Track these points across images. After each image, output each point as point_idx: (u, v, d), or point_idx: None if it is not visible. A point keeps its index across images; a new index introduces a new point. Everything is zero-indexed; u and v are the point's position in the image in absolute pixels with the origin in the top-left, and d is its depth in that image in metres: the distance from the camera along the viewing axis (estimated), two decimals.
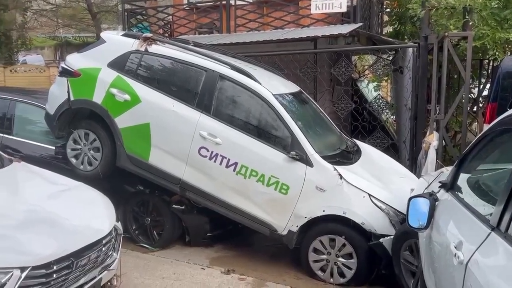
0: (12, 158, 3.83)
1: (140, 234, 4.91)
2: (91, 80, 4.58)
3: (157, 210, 4.85)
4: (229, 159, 4.24)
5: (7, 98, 5.36)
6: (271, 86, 4.45)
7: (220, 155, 4.26)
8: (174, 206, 4.72)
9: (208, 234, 4.92)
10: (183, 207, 4.72)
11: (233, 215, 4.38)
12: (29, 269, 2.45)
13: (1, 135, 5.14)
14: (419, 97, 5.79)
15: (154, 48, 4.59)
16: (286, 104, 4.40)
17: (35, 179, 3.63)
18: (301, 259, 4.29)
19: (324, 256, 4.14)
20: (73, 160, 4.78)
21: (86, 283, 2.92)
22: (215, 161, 4.28)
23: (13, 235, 2.63)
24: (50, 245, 2.69)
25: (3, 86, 11.28)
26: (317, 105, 5.30)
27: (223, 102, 4.42)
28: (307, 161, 4.07)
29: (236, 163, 4.23)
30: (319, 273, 4.18)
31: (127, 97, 4.47)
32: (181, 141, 4.37)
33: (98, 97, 4.56)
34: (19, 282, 2.38)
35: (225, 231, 5.05)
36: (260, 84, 4.31)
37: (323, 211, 4.02)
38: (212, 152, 4.28)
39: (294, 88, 5.03)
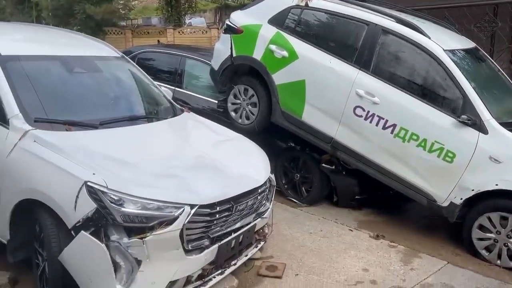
0: (183, 108, 4.22)
1: (289, 188, 5.04)
2: (252, 36, 4.72)
3: (307, 167, 4.89)
4: (386, 120, 3.98)
5: (179, 54, 5.91)
6: (442, 41, 3.96)
7: (377, 116, 4.03)
8: (323, 165, 4.68)
9: (356, 197, 4.80)
10: (333, 167, 4.65)
11: (386, 180, 4.15)
12: (197, 207, 2.69)
13: (174, 88, 5.72)
14: None
15: (315, 3, 4.48)
16: (459, 61, 3.89)
17: (202, 128, 3.95)
18: (462, 235, 3.88)
19: (491, 235, 3.66)
20: (233, 114, 5.08)
21: (242, 226, 3.11)
22: (370, 122, 4.06)
23: (185, 176, 2.90)
24: (214, 188, 2.91)
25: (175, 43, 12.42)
26: (496, 64, 4.56)
27: (384, 58, 4.12)
28: (481, 127, 3.57)
29: (394, 125, 3.95)
30: (484, 252, 3.73)
31: (285, 53, 4.49)
32: (336, 99, 4.25)
33: (258, 54, 4.69)
34: (188, 218, 2.63)
35: (375, 196, 4.86)
36: (429, 38, 3.87)
37: (496, 185, 3.52)
38: (368, 112, 4.07)
39: (468, 44, 4.41)
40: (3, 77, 3.12)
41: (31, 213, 2.77)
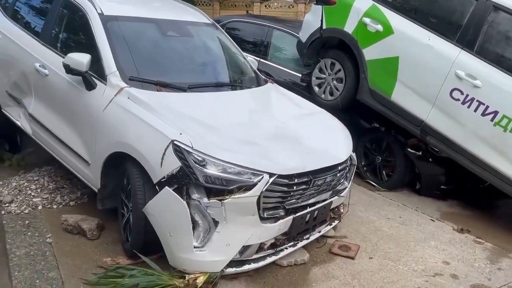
0: (267, 79, 4.19)
1: (369, 171, 4.85)
2: (345, 8, 4.51)
3: (390, 150, 4.66)
4: (487, 106, 3.63)
5: (266, 25, 5.86)
6: None
7: (477, 101, 3.68)
8: (409, 149, 4.43)
9: (441, 187, 4.49)
10: (420, 152, 4.38)
11: (480, 172, 3.82)
12: (275, 176, 2.67)
13: (258, 59, 5.70)
14: None
15: None
16: None
17: (284, 100, 3.90)
18: None
19: None
20: (316, 89, 4.95)
21: (318, 202, 3.05)
22: (468, 107, 3.73)
23: (265, 145, 2.89)
24: (294, 159, 2.87)
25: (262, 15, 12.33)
26: None
27: (492, 38, 3.72)
28: None
29: (496, 112, 3.59)
30: None
31: (379, 27, 4.24)
32: (431, 79, 3.95)
33: (349, 26, 4.48)
34: (266, 186, 2.62)
35: (462, 188, 4.51)
36: None
37: None
38: (467, 95, 3.73)
39: None
40: (104, 36, 3.30)
41: (121, 166, 2.94)
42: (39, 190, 4.02)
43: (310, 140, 3.18)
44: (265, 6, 16.69)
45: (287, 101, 3.89)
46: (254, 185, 2.59)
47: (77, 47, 3.54)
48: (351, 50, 4.49)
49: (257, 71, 4.22)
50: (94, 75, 3.19)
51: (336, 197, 3.25)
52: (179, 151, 2.57)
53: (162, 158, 2.60)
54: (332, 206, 3.28)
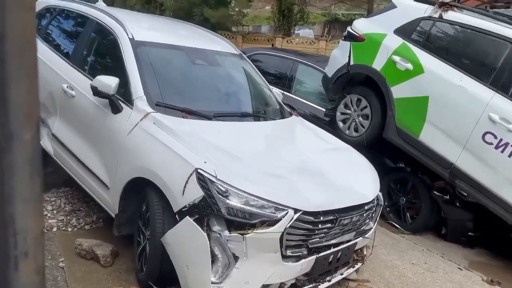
0: (292, 111, 4.13)
1: (392, 212, 4.68)
2: (374, 45, 4.48)
3: (415, 192, 4.50)
4: None
5: (291, 59, 5.87)
6: None
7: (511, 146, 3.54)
8: (435, 192, 4.26)
9: (469, 233, 4.28)
10: (447, 196, 4.21)
11: (511, 219, 3.62)
12: (301, 212, 2.54)
13: (282, 91, 5.67)
14: None
15: (450, 15, 4.11)
16: None
17: (309, 133, 3.82)
18: None
19: None
20: (341, 124, 4.87)
21: (342, 242, 2.90)
22: (502, 151, 3.59)
23: (290, 178, 2.79)
24: (320, 195, 2.75)
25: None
26: None
27: None
28: None
29: None
30: None
31: (409, 66, 4.18)
32: (462, 121, 3.84)
33: (378, 64, 4.44)
34: (291, 222, 2.50)
35: (491, 235, 4.29)
36: None
37: None
38: (501, 140, 3.60)
39: None
40: (134, 61, 3.30)
41: (141, 192, 2.86)
42: (55, 211, 3.96)
43: (336, 177, 3.07)
44: (287, 41, 16.98)
45: (312, 135, 3.81)
46: (278, 220, 2.47)
47: (106, 70, 3.56)
48: (378, 87, 4.43)
49: (282, 103, 4.17)
50: (121, 98, 3.17)
51: (361, 238, 3.09)
52: (202, 180, 2.48)
53: (185, 187, 2.51)
54: (356, 248, 3.13)
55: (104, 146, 3.23)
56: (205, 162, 2.55)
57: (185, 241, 2.49)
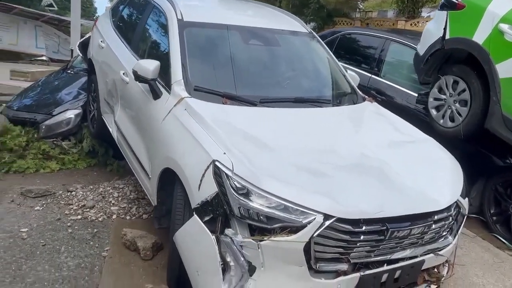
0: (366, 96, 3.52)
1: (499, 222, 3.75)
2: (477, 13, 3.56)
3: None
4: None
5: (382, 37, 5.10)
6: None
7: None
8: None
9: None
10: None
11: None
12: (333, 219, 2.04)
13: (369, 75, 4.98)
14: None
15: None
16: None
17: (381, 122, 3.20)
18: None
19: None
20: (433, 112, 4.04)
21: (401, 259, 2.29)
22: None
23: (334, 176, 2.29)
24: (367, 199, 2.19)
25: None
26: None
27: None
28: None
29: None
30: None
31: None
32: None
33: (480, 36, 3.51)
34: (319, 230, 2.01)
35: None
36: None
37: None
38: None
39: None
40: (178, 43, 3.10)
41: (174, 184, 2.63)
42: (119, 198, 4.02)
43: (402, 176, 2.46)
44: (411, 24, 15.35)
45: (384, 124, 3.19)
46: (302, 227, 2.01)
47: (155, 54, 3.42)
48: (480, 66, 3.51)
49: (355, 87, 3.58)
50: (162, 83, 2.99)
51: (432, 255, 2.43)
52: (218, 174, 2.15)
53: (201, 180, 2.21)
54: (427, 266, 2.47)
55: (146, 134, 3.11)
56: (224, 153, 2.20)
57: (193, 244, 2.20)
